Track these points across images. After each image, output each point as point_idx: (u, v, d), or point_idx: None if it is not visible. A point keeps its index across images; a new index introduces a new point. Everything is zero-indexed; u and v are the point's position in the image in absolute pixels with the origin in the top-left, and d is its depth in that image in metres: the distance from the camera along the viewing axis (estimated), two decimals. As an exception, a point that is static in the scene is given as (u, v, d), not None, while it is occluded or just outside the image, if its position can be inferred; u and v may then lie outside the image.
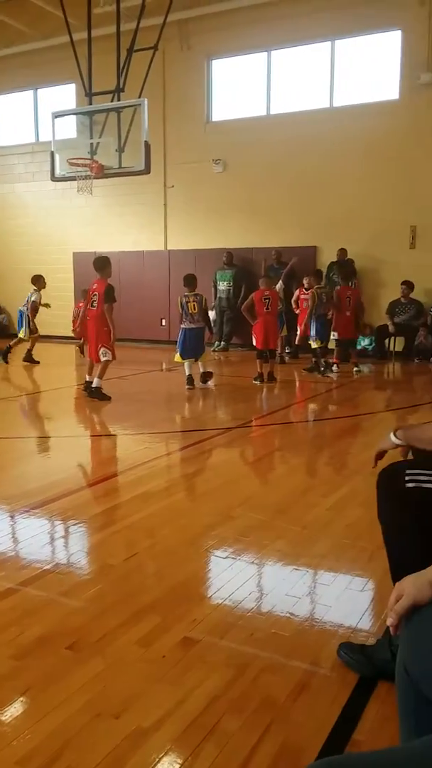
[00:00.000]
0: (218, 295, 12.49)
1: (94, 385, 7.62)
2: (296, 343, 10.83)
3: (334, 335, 10.03)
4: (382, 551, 2.23)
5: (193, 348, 8.34)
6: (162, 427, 6.41)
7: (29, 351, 10.86)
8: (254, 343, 9.14)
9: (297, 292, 10.81)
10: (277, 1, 11.74)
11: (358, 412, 7.23)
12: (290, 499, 4.16)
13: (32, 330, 10.80)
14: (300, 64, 12.32)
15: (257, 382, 8.79)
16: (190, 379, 8.33)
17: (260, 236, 12.57)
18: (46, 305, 10.88)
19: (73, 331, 12.00)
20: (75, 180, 9.51)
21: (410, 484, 2.06)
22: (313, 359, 9.80)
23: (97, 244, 13.70)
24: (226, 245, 12.76)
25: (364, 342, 11.66)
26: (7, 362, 10.69)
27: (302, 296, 10.49)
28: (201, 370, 8.50)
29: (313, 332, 9.74)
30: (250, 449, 5.78)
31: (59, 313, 12.58)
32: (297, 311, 10.69)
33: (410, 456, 2.20)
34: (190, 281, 8.37)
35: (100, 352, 7.59)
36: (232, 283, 12.40)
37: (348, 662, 2.28)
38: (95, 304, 7.66)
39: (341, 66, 11.99)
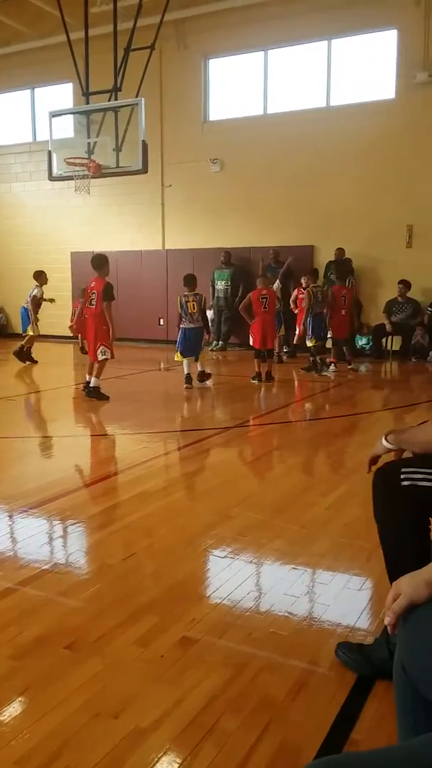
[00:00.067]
0: (216, 295, 12.48)
1: (91, 384, 7.62)
2: (294, 342, 10.84)
3: (329, 334, 10.06)
4: (380, 550, 2.23)
5: (192, 347, 8.35)
6: (160, 427, 6.41)
7: (28, 348, 10.85)
8: (251, 343, 9.15)
9: (295, 292, 10.82)
10: (273, 0, 11.74)
11: (356, 411, 7.24)
12: (288, 498, 4.16)
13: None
14: (296, 64, 12.32)
15: (255, 382, 8.80)
16: (188, 378, 8.34)
17: (258, 235, 12.58)
18: (51, 300, 10.89)
19: (70, 328, 12.02)
20: (72, 179, 9.50)
21: (405, 483, 2.06)
22: (311, 358, 9.81)
23: (94, 244, 13.69)
24: (223, 245, 12.76)
25: (361, 341, 11.68)
26: (34, 361, 10.73)
27: (300, 296, 10.49)
28: (199, 370, 8.51)
29: (309, 331, 9.76)
30: (248, 448, 5.78)
31: (57, 313, 12.58)
32: (295, 311, 10.69)
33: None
34: (190, 281, 8.37)
35: (99, 350, 7.58)
36: (229, 283, 12.40)
37: (346, 661, 2.29)
38: (94, 302, 7.65)
39: (338, 65, 12.00)
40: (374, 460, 2.24)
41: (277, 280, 10.84)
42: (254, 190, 12.57)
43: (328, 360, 10.04)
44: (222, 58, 12.98)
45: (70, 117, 9.96)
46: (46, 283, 10.87)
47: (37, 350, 10.99)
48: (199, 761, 1.84)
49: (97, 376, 7.62)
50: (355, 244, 11.66)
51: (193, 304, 8.27)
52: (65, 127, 10.12)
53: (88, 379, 7.74)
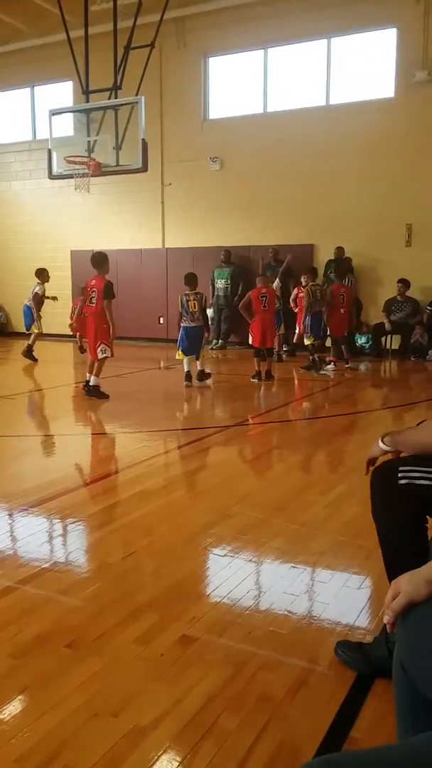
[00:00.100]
0: (216, 293, 12.48)
1: (91, 383, 7.62)
2: (294, 341, 10.84)
3: (328, 332, 10.06)
4: (379, 549, 2.24)
5: (193, 346, 8.35)
6: (160, 425, 6.41)
7: (29, 347, 10.85)
8: (251, 342, 9.15)
9: (295, 291, 10.80)
10: (273, -2, 11.74)
11: (356, 409, 7.24)
12: (288, 496, 4.16)
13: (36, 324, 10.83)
14: (296, 62, 12.30)
15: (255, 380, 8.80)
16: (188, 376, 8.34)
17: (258, 234, 12.57)
18: (53, 298, 10.90)
19: (70, 326, 12.02)
20: (72, 178, 9.50)
21: (403, 481, 2.07)
22: (310, 357, 9.81)
23: (94, 242, 13.68)
24: (223, 243, 12.75)
25: (361, 340, 11.68)
26: (34, 359, 10.71)
27: (300, 294, 10.48)
28: (199, 368, 8.52)
29: (307, 329, 9.76)
30: (247, 447, 5.78)
31: (57, 311, 12.57)
32: (295, 310, 10.68)
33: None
34: (191, 280, 8.37)
35: (99, 349, 7.58)
36: (229, 281, 12.39)
37: (345, 660, 2.29)
38: (94, 300, 7.65)
39: (337, 64, 11.99)
40: (372, 461, 2.24)
41: (277, 279, 10.84)
42: (254, 188, 12.56)
43: (327, 359, 10.05)
44: (222, 56, 12.96)
45: (70, 115, 9.95)
46: (48, 281, 10.87)
47: (37, 349, 10.98)
48: (199, 760, 1.85)
49: (97, 375, 7.62)
50: (354, 242, 11.66)
51: (194, 303, 8.27)
52: (65, 126, 10.10)
53: (88, 377, 7.74)
